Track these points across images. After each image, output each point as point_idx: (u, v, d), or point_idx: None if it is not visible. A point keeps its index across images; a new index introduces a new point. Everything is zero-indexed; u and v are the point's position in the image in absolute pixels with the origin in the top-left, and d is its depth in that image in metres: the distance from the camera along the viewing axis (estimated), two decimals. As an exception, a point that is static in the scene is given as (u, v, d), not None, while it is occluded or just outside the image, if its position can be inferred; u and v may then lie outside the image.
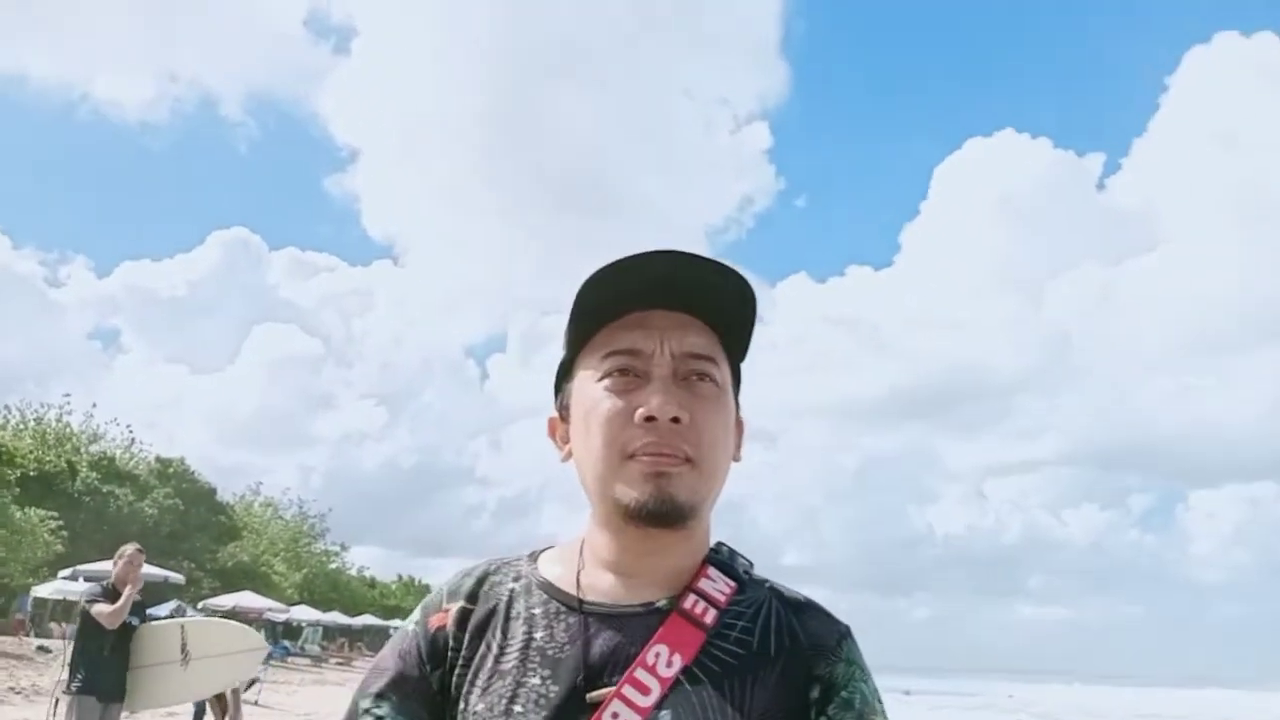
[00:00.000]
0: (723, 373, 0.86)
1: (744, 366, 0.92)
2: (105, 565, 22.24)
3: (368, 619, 47.05)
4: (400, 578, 72.68)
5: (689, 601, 0.83)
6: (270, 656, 15.84)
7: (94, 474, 35.33)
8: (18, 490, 29.43)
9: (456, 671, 0.85)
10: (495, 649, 0.84)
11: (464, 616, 0.87)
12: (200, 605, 30.78)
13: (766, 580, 0.89)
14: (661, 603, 0.83)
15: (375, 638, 50.67)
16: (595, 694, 0.79)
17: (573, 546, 0.90)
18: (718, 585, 0.85)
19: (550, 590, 0.86)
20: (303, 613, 36.90)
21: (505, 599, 0.87)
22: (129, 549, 6.09)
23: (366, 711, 0.85)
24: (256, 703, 14.88)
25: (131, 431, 42.08)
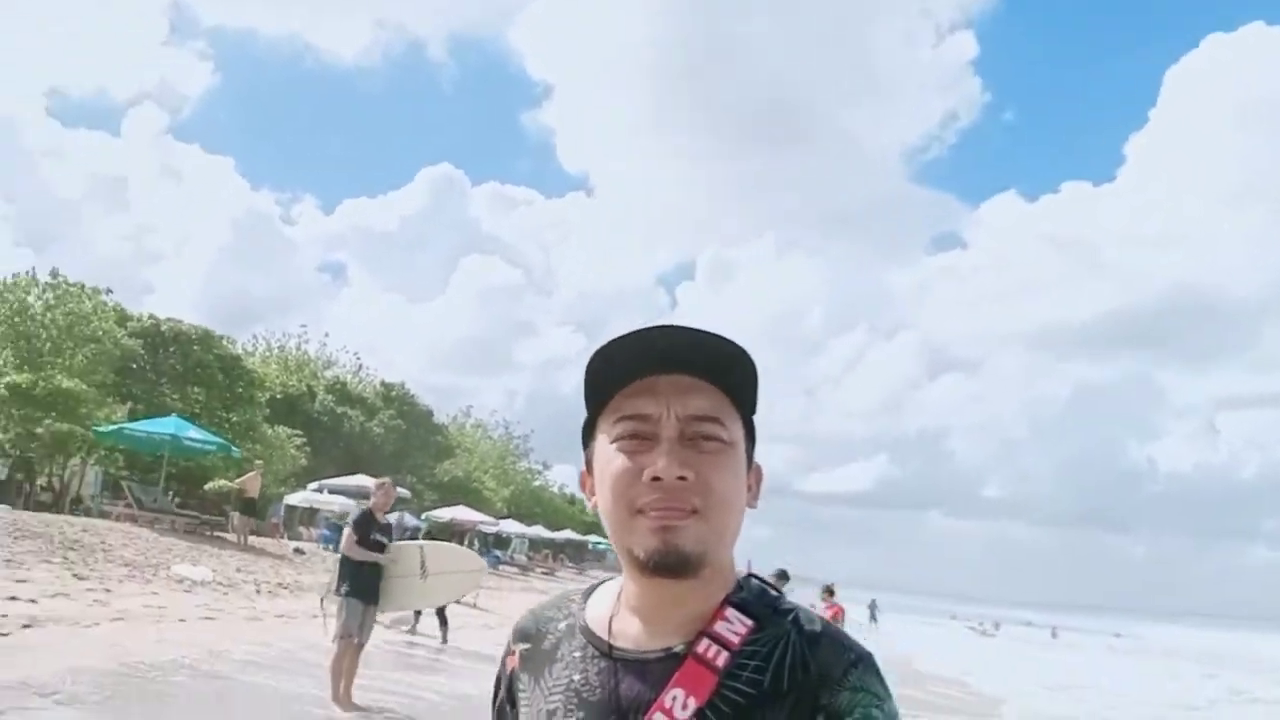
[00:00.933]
0: (731, 430, 0.92)
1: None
2: (347, 480, 25.05)
3: (568, 533, 50.29)
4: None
5: (701, 646, 0.89)
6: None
7: (329, 397, 39.49)
8: (267, 411, 33.41)
9: (521, 707, 0.98)
10: (545, 688, 0.95)
11: (525, 657, 0.99)
12: (424, 516, 34.11)
13: (791, 611, 0.93)
14: (679, 648, 0.90)
15: (576, 550, 54.13)
16: None
17: (616, 587, 0.98)
18: (733, 626, 0.90)
19: (588, 635, 0.96)
20: (511, 526, 39.90)
21: (554, 640, 0.98)
22: (385, 480, 7.40)
23: None
24: (475, 605, 16.52)
25: (359, 358, 46.66)
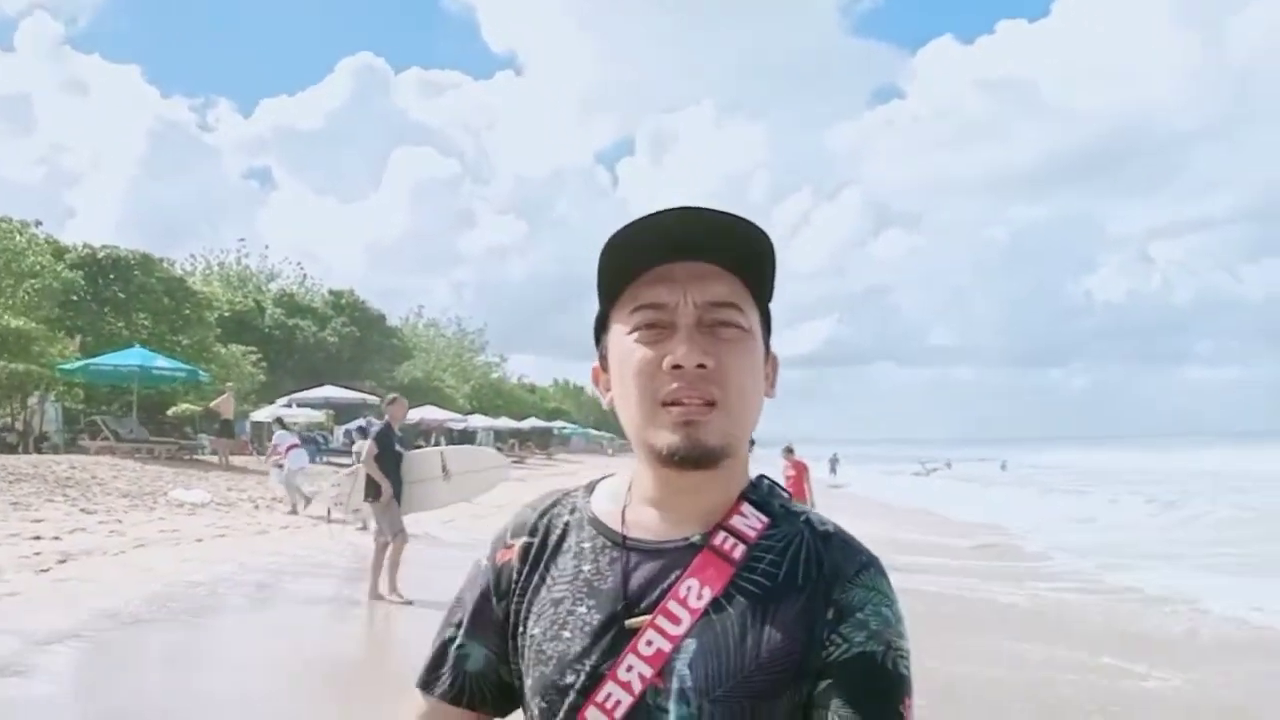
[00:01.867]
0: (748, 317, 0.90)
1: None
2: (313, 393, 25.57)
3: (533, 421, 51.69)
4: (556, 381, 77.69)
5: (719, 538, 0.89)
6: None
7: (278, 310, 39.48)
8: (218, 331, 33.38)
9: (518, 600, 0.95)
10: (550, 579, 0.94)
11: (526, 550, 0.97)
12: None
13: (802, 513, 0.94)
14: (695, 538, 0.90)
15: (542, 437, 55.66)
16: (633, 621, 0.87)
17: (624, 480, 0.98)
18: (749, 521, 0.90)
19: (598, 525, 0.95)
20: (477, 420, 41.04)
21: (560, 532, 0.97)
22: (397, 396, 8.29)
23: (451, 640, 0.99)
24: (460, 501, 17.51)
25: (302, 268, 46.21)
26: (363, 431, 27.90)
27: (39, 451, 20.91)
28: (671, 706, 0.84)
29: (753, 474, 0.97)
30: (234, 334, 35.17)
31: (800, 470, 12.64)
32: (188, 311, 31.84)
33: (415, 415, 31.52)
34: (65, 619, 6.52)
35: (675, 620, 0.86)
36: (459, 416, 36.65)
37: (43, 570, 8.33)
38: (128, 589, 7.69)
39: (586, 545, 0.94)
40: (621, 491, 0.96)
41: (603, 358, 0.96)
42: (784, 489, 0.97)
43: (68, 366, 21.87)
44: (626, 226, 0.88)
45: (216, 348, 31.64)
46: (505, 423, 46.20)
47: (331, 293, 44.15)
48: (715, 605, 0.86)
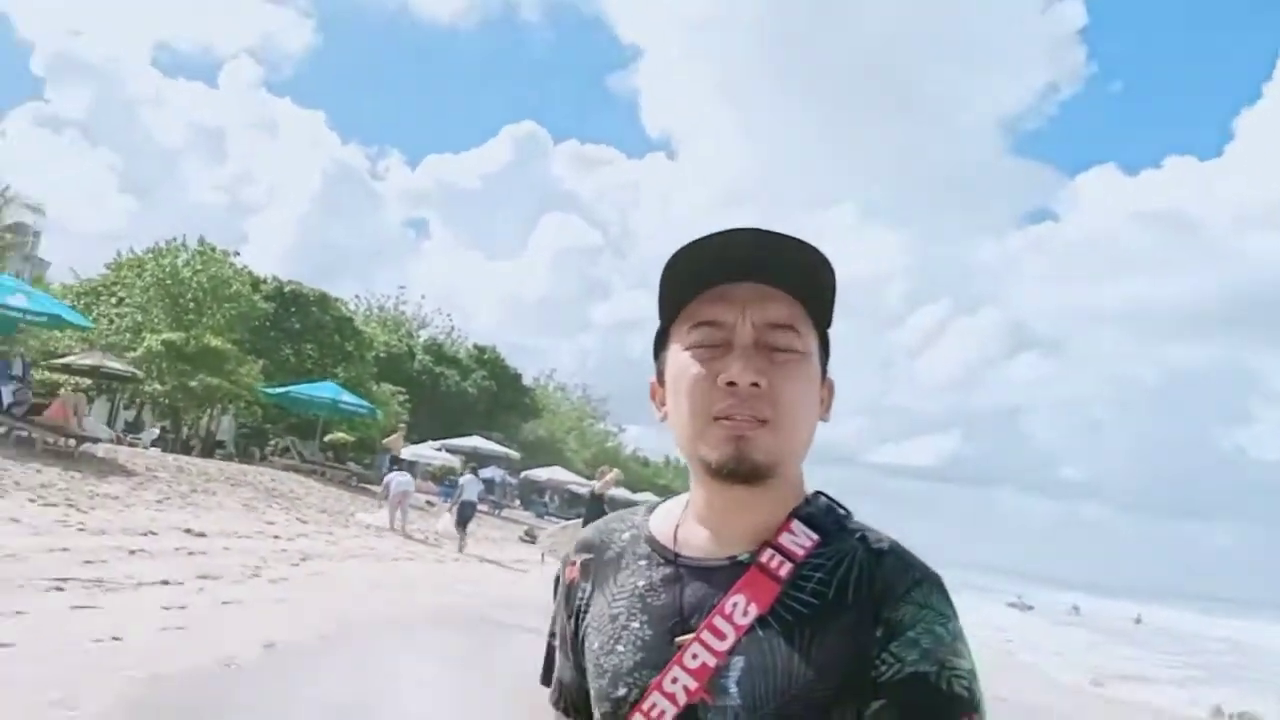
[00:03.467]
0: (805, 340, 0.92)
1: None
2: (462, 440, 27.89)
3: (648, 495, 52.94)
4: (668, 459, 79.10)
5: (765, 556, 0.90)
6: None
7: (427, 357, 42.59)
8: (374, 369, 36.47)
9: (582, 615, 1.01)
10: (609, 595, 0.98)
11: (586, 567, 1.03)
12: (521, 475, 36.96)
13: (859, 530, 0.94)
14: (744, 556, 0.91)
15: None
16: (681, 638, 0.89)
17: (680, 501, 1.01)
18: (798, 539, 0.91)
19: (653, 544, 0.98)
20: (621, 492, 42.67)
21: (618, 549, 1.01)
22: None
23: (550, 649, 1.08)
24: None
25: (451, 320, 49.70)
26: (489, 484, 30.19)
27: (213, 457, 23.70)
28: None
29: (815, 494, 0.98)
30: (386, 373, 38.21)
31: None
32: (350, 348, 35.04)
33: (545, 474, 33.51)
34: (345, 608, 8.27)
35: (720, 636, 0.87)
36: (583, 480, 38.38)
37: (293, 565, 10.24)
38: (382, 595, 9.45)
39: (642, 563, 0.98)
40: (678, 511, 1.00)
41: (660, 373, 0.98)
42: (843, 506, 0.97)
43: (272, 391, 24.78)
44: (690, 244, 0.90)
45: (371, 385, 34.61)
46: (624, 493, 47.75)
47: (476, 347, 47.23)
48: (763, 623, 0.87)
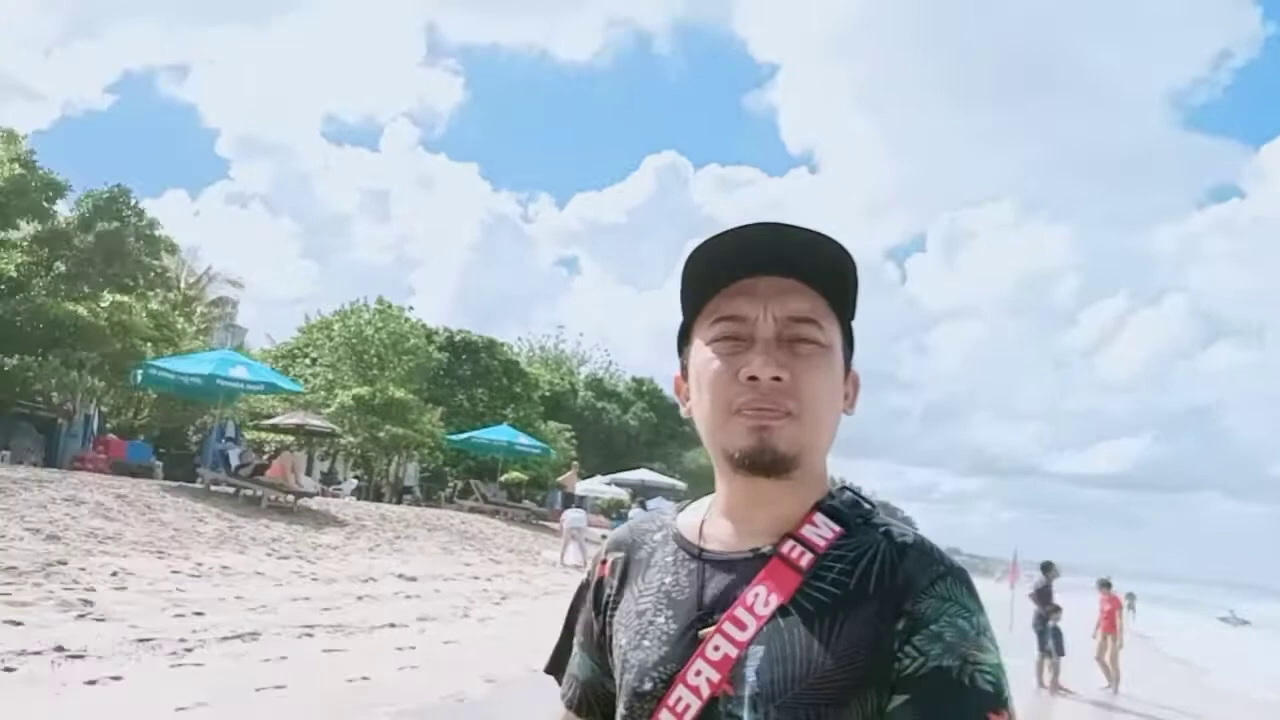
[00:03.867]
0: (828, 333, 0.93)
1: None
2: (629, 475, 28.85)
3: (815, 519, 52.22)
4: (832, 479, 77.64)
5: (787, 547, 0.91)
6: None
7: (589, 393, 43.95)
8: (541, 408, 38.00)
9: (610, 612, 1.02)
10: (637, 592, 1.00)
11: (615, 565, 1.05)
12: (680, 504, 37.34)
13: (884, 525, 0.94)
14: (766, 548, 0.92)
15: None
16: (704, 631, 0.91)
17: (709, 499, 1.03)
18: (820, 531, 0.91)
19: (680, 540, 1.00)
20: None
21: (649, 548, 1.03)
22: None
23: (570, 647, 1.10)
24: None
25: (609, 355, 51.12)
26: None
27: (401, 502, 25.41)
28: (744, 713, 0.85)
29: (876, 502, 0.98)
30: (551, 412, 39.73)
31: (1115, 605, 12.85)
32: (518, 390, 36.70)
33: (707, 503, 33.76)
34: (549, 642, 8.87)
35: (742, 626, 0.88)
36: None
37: (495, 604, 11.01)
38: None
39: (669, 559, 0.99)
40: (704, 507, 1.01)
41: (684, 368, 0.99)
42: (869, 501, 0.98)
43: (455, 438, 26.45)
44: (709, 240, 0.92)
45: (539, 423, 36.10)
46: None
47: (634, 379, 48.36)
48: (783, 612, 0.88)
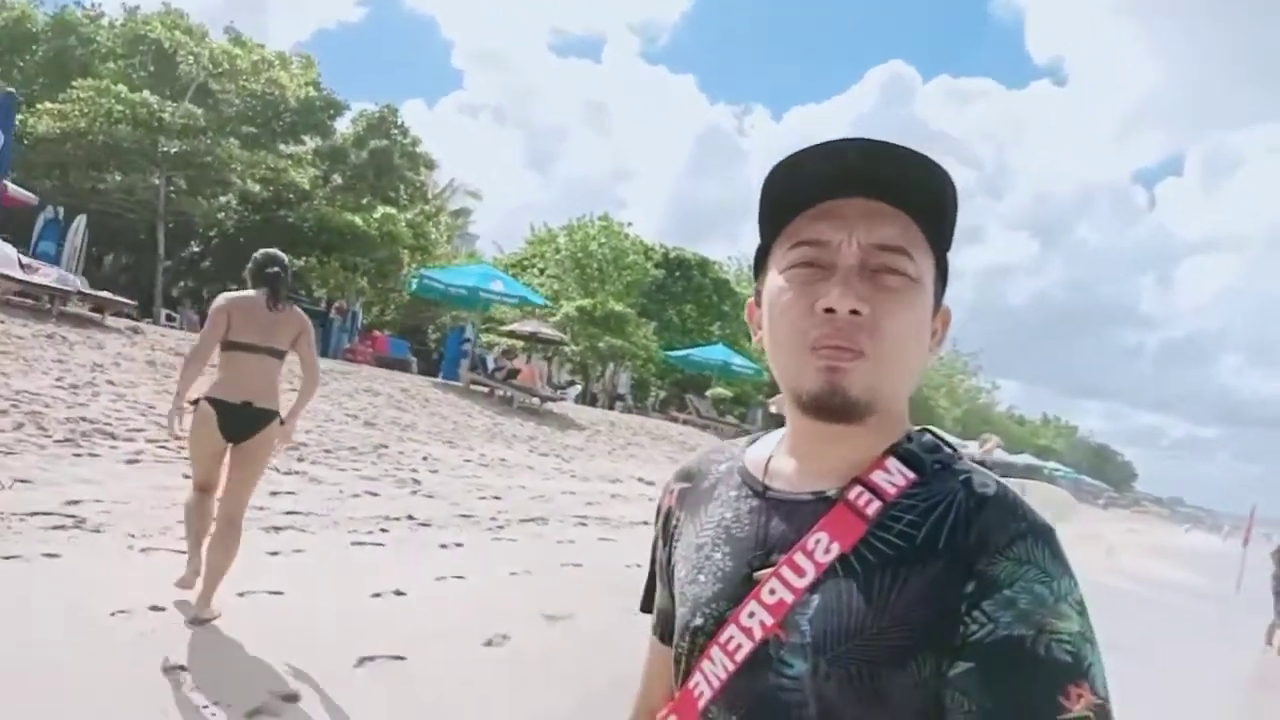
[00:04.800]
0: (918, 265, 0.85)
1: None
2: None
3: (1027, 458, 50.63)
4: (1045, 416, 74.10)
5: (854, 493, 0.86)
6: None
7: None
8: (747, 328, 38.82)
9: (673, 543, 1.01)
10: (698, 524, 0.97)
11: (683, 495, 1.03)
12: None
13: (965, 472, 0.86)
14: (831, 492, 0.87)
15: (1030, 476, 54.19)
16: (760, 572, 0.87)
17: (779, 432, 0.98)
18: (892, 477, 0.85)
19: (744, 475, 0.96)
20: (970, 449, 41.81)
21: (713, 480, 1.00)
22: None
23: (651, 580, 1.09)
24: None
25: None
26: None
27: (614, 408, 27.23)
28: (794, 660, 0.82)
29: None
30: (758, 331, 40.56)
31: None
32: (726, 308, 37.65)
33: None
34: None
35: (800, 572, 0.84)
36: (959, 441, 37.99)
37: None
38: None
39: (732, 494, 0.96)
40: (773, 442, 0.97)
41: (758, 293, 0.94)
42: (952, 445, 0.89)
43: (674, 354, 27.95)
44: (794, 155, 0.85)
45: (745, 343, 37.04)
46: (1001, 455, 46.21)
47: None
48: (844, 562, 0.83)
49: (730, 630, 0.86)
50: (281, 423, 4.59)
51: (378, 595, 5.27)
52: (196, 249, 25.62)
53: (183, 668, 3.74)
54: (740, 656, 0.85)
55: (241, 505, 4.53)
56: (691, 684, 0.89)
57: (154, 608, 4.28)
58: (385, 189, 24.85)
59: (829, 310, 0.82)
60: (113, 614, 4.11)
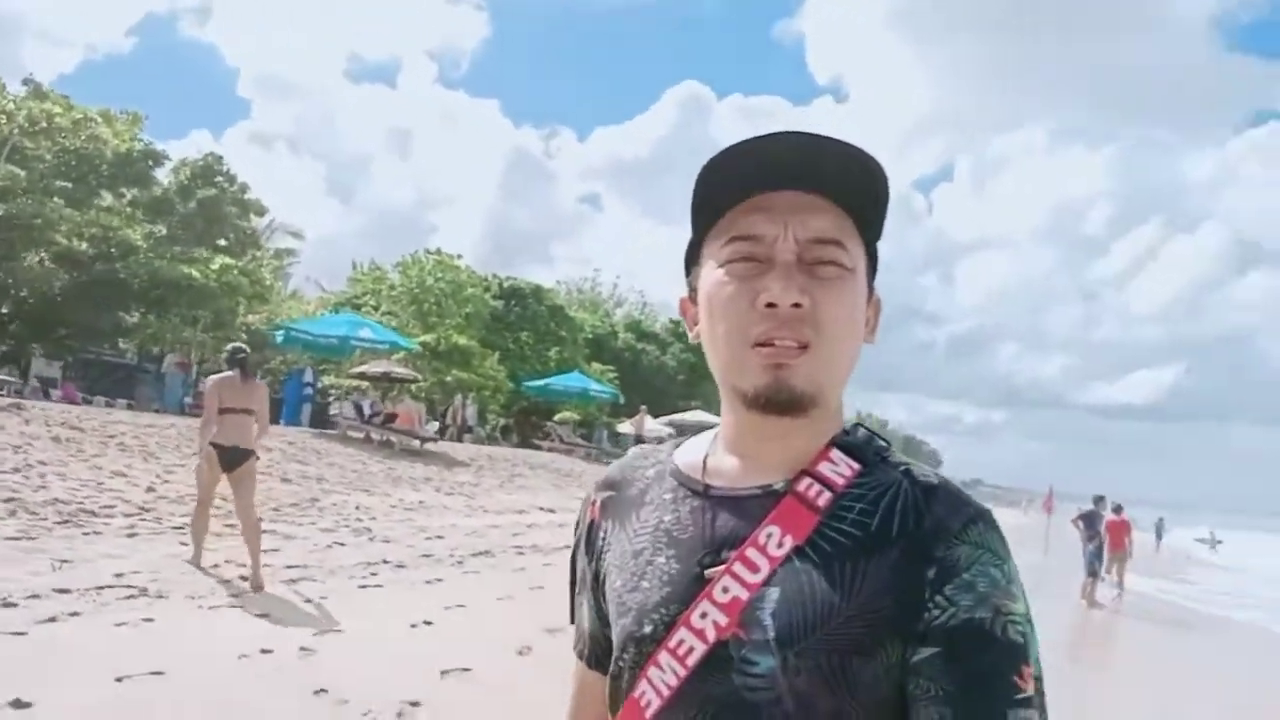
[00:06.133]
0: (852, 255, 0.87)
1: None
2: (686, 415, 31.64)
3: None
4: (858, 413, 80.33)
5: (803, 484, 0.87)
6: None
7: (629, 334, 46.28)
8: (586, 351, 40.42)
9: (602, 555, 0.98)
10: (631, 531, 0.95)
11: (607, 505, 1.01)
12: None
13: (903, 463, 0.90)
14: (779, 485, 0.88)
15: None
16: (711, 570, 0.86)
17: (709, 434, 0.98)
18: (838, 468, 0.87)
19: (679, 476, 0.96)
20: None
21: (642, 486, 0.99)
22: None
23: (572, 598, 1.07)
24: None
25: (644, 296, 53.32)
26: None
27: (462, 441, 28.00)
28: (759, 658, 0.82)
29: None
30: (594, 354, 42.18)
31: (1124, 528, 15.53)
32: (562, 334, 39.09)
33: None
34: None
35: (754, 568, 0.84)
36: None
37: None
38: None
39: (667, 496, 0.95)
40: (705, 443, 0.97)
41: (692, 290, 0.95)
42: (885, 439, 0.94)
43: (532, 384, 29.04)
44: (727, 149, 0.86)
45: (582, 364, 38.59)
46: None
47: (671, 320, 50.65)
48: (800, 554, 0.84)
49: (680, 634, 0.85)
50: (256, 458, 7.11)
51: (414, 625, 6.29)
52: (4, 311, 24.27)
53: (324, 690, 4.71)
54: (692, 660, 0.84)
55: (252, 509, 6.88)
56: (638, 693, 0.88)
57: (264, 650, 5.17)
58: (215, 237, 24.60)
59: (770, 305, 0.83)
60: (240, 657, 4.99)
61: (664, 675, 0.86)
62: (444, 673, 5.31)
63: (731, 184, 0.87)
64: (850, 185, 0.86)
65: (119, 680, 4.38)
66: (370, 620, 6.24)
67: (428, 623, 6.37)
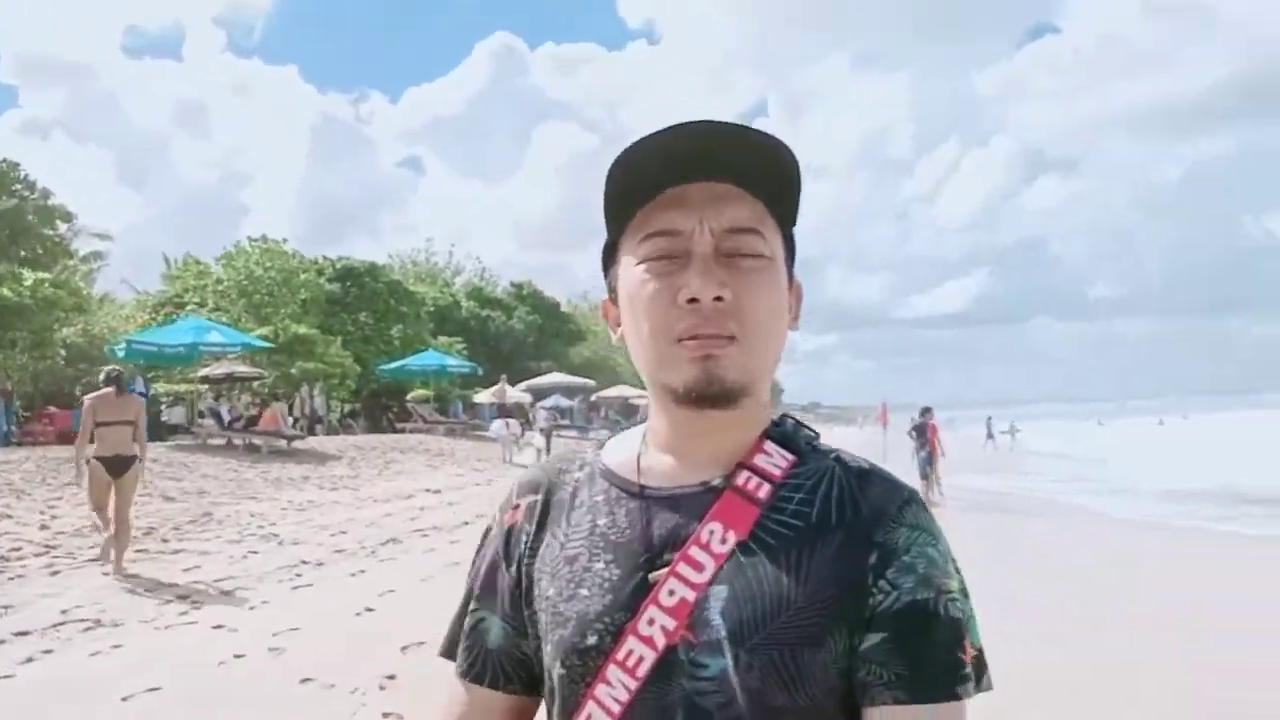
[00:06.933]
0: (770, 243, 0.87)
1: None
2: (542, 380, 32.77)
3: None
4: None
5: (741, 478, 0.88)
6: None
7: (472, 302, 46.39)
8: (431, 325, 40.38)
9: (528, 562, 0.94)
10: (562, 537, 0.93)
11: (532, 509, 0.97)
12: (593, 397, 41.24)
13: (832, 451, 0.92)
14: (716, 481, 0.88)
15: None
16: (655, 574, 0.85)
17: (637, 432, 0.97)
18: (774, 460, 0.88)
19: (611, 478, 0.94)
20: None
21: (571, 489, 0.96)
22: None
23: (471, 611, 1.00)
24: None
25: (481, 262, 53.35)
26: (559, 411, 34.69)
27: (314, 434, 27.90)
28: (708, 659, 0.81)
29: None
30: (438, 326, 42.15)
31: (934, 430, 17.41)
32: (404, 310, 38.90)
33: (614, 392, 37.88)
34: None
35: (698, 567, 0.84)
36: (643, 394, 42.81)
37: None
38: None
39: (600, 499, 0.94)
40: (635, 442, 0.96)
41: (612, 290, 0.94)
42: (811, 429, 0.95)
43: (386, 367, 28.98)
44: (634, 144, 0.85)
45: (430, 340, 38.60)
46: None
47: (513, 284, 51.05)
48: (744, 549, 0.84)
49: (629, 643, 0.84)
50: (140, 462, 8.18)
51: (358, 614, 6.97)
52: None
53: (309, 679, 5.40)
54: (643, 671, 0.83)
55: (128, 511, 7.96)
56: (584, 715, 0.85)
57: (237, 655, 5.78)
58: (20, 250, 23.26)
59: (692, 300, 0.83)
60: (219, 664, 5.60)
61: (614, 691, 0.84)
62: (404, 648, 6.06)
63: (642, 180, 0.87)
64: (762, 172, 0.87)
65: (125, 700, 4.94)
66: (318, 615, 6.88)
67: (369, 609, 7.06)
